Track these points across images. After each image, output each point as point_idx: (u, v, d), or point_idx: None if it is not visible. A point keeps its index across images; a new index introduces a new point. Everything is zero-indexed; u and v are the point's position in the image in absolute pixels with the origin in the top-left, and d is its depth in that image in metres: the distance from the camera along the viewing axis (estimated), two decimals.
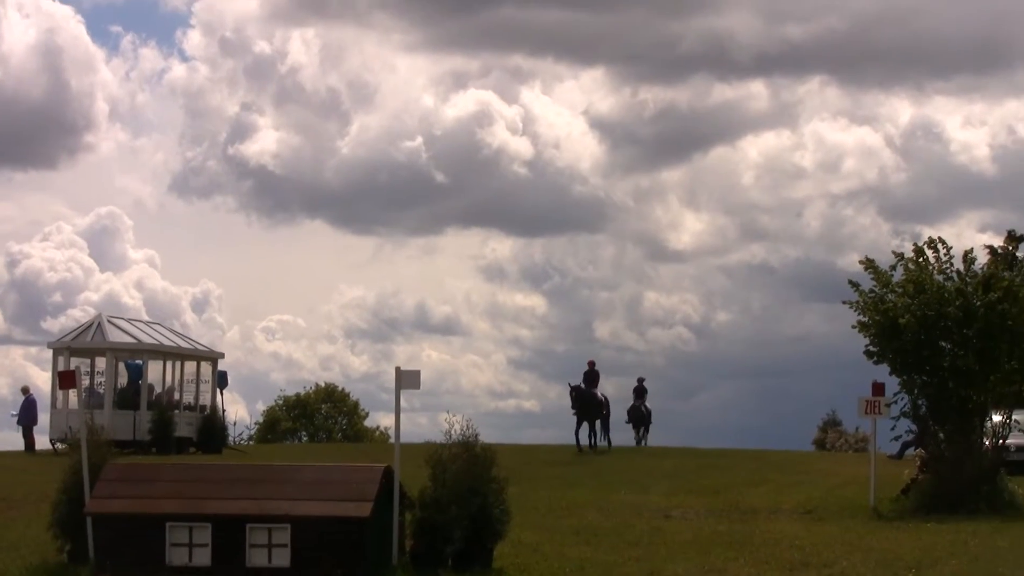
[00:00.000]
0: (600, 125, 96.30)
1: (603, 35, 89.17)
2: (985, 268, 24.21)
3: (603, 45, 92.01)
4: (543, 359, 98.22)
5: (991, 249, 39.50)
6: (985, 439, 23.54)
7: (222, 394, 40.13)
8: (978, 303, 23.26)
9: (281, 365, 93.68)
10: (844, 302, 24.22)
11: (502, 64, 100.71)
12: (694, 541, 18.87)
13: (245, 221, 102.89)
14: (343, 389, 70.46)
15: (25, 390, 39.07)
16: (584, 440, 35.78)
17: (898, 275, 24.02)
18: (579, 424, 35.69)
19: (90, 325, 38.40)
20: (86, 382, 36.14)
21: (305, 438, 65.82)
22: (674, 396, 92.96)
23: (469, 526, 15.96)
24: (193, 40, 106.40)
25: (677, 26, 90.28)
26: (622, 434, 39.64)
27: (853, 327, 24.04)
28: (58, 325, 66.44)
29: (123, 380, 38.10)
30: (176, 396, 38.83)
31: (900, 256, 24.24)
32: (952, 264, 23.94)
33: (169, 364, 39.05)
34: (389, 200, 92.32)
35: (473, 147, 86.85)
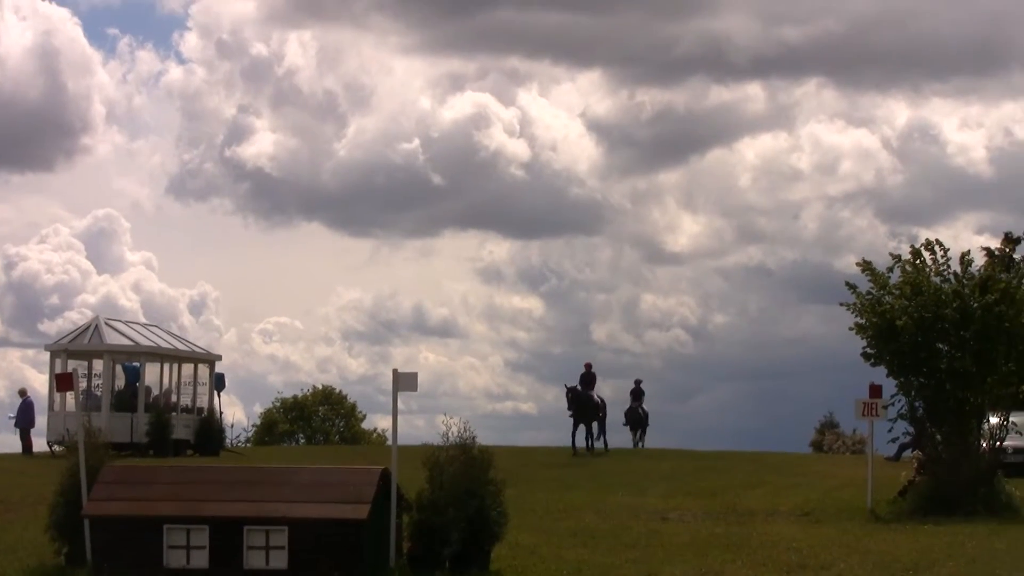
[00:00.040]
0: (597, 127, 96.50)
1: (600, 37, 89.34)
2: (982, 270, 24.21)
3: (600, 47, 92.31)
4: (540, 361, 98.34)
5: (988, 251, 39.43)
6: (982, 441, 23.54)
7: (219, 396, 40.16)
8: (975, 305, 23.26)
9: (278, 367, 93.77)
10: (841, 304, 24.23)
11: (499, 66, 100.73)
12: (691, 543, 18.87)
13: (242, 223, 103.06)
14: (340, 391, 70.60)
15: (22, 392, 39.06)
16: (581, 442, 35.79)
17: (895, 277, 24.02)
18: (576, 426, 35.69)
19: (87, 327, 38.36)
20: (83, 384, 36.17)
21: (302, 440, 65.84)
22: (671, 398, 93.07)
23: (466, 528, 15.95)
24: (190, 42, 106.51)
25: (674, 28, 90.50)
26: (619, 436, 39.70)
27: (850, 329, 24.05)
28: (55, 327, 66.40)
29: (120, 382, 38.08)
30: (173, 398, 38.79)
31: (897, 258, 24.25)
32: (949, 266, 23.96)
33: (166, 366, 39.02)
34: (386, 202, 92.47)
35: (470, 149, 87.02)
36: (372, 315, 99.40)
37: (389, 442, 18.71)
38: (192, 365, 39.64)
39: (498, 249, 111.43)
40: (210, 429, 38.19)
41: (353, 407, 69.42)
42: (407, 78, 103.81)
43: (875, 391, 23.54)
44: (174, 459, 33.81)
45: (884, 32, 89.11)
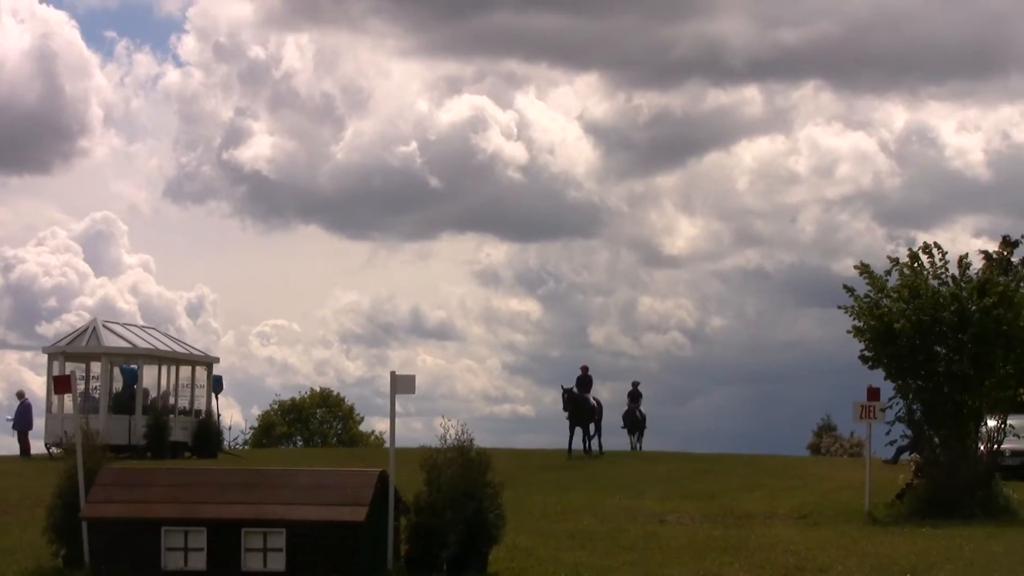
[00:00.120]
0: (594, 130, 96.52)
1: (597, 40, 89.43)
2: (980, 273, 24.24)
3: (597, 50, 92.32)
4: (538, 364, 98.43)
5: (986, 254, 39.60)
6: (980, 444, 23.55)
7: (217, 399, 40.22)
8: (973, 308, 23.27)
9: (276, 370, 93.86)
10: (839, 307, 24.26)
11: (496, 69, 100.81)
12: (689, 546, 18.87)
13: (240, 226, 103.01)
14: (338, 394, 70.69)
15: (20, 395, 39.11)
16: (577, 445, 35.77)
17: (893, 280, 24.03)
18: (572, 429, 35.66)
19: (85, 330, 38.39)
20: (81, 387, 36.15)
21: (300, 443, 65.88)
22: (669, 401, 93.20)
23: (464, 530, 15.95)
24: (187, 45, 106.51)
25: (671, 31, 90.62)
26: (617, 438, 39.69)
27: (848, 332, 24.07)
28: (53, 330, 66.42)
29: (118, 385, 38.09)
30: (171, 401, 38.82)
31: (895, 261, 24.26)
32: (947, 269, 23.97)
33: (164, 369, 39.03)
34: (384, 205, 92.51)
35: (468, 152, 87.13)
36: (370, 318, 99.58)
37: (387, 444, 18.71)
38: (190, 367, 39.67)
39: (495, 252, 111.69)
40: (208, 431, 38.20)
41: (351, 409, 69.50)
42: (404, 81, 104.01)
43: (873, 394, 23.55)
44: (172, 461, 33.82)
45: (881, 35, 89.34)
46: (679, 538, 19.70)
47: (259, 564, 15.58)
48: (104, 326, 38.41)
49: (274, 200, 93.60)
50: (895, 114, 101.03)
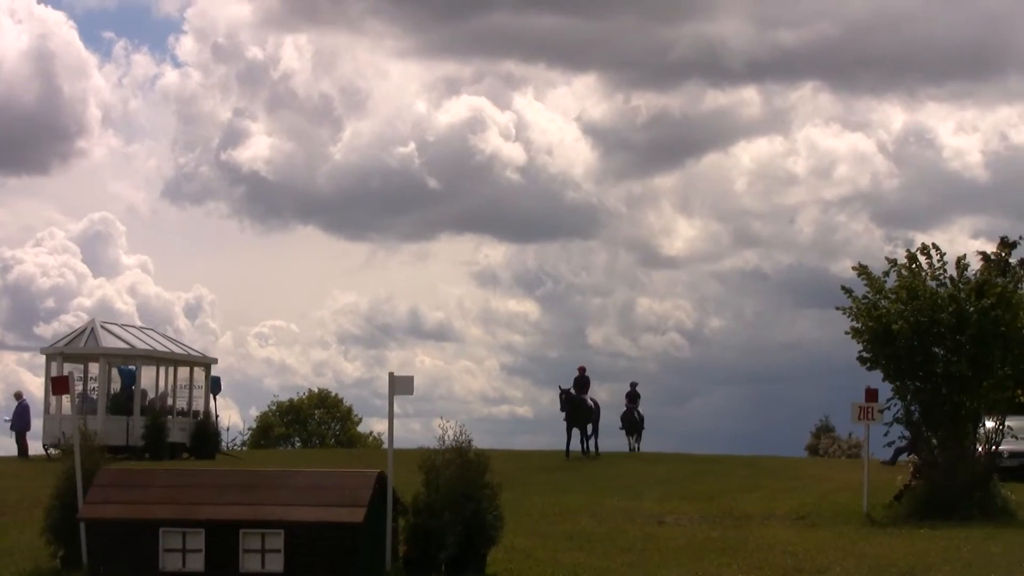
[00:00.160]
0: (593, 131, 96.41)
1: (595, 41, 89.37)
2: (978, 274, 24.24)
3: (595, 51, 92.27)
4: (536, 365, 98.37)
5: (984, 255, 39.49)
6: (978, 445, 23.56)
7: (215, 400, 40.16)
8: (971, 309, 23.28)
9: (274, 371, 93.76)
10: (837, 308, 24.27)
11: (494, 70, 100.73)
12: (687, 547, 18.88)
13: (238, 227, 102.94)
14: (336, 395, 70.58)
15: (18, 395, 39.06)
16: (576, 446, 35.77)
17: (891, 281, 24.04)
18: (569, 430, 35.64)
19: (83, 330, 38.36)
20: (79, 388, 36.11)
21: (298, 444, 65.83)
22: (667, 402, 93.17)
23: (462, 532, 15.95)
24: (186, 46, 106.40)
25: (669, 32, 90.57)
26: (615, 439, 39.69)
27: (846, 333, 24.09)
28: (51, 330, 66.38)
29: (116, 386, 38.05)
30: (169, 402, 38.78)
31: (893, 262, 24.28)
32: (945, 270, 23.99)
33: (162, 369, 39.00)
34: (382, 206, 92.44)
35: (466, 153, 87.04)
36: (368, 319, 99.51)
37: (385, 445, 18.72)
38: (188, 368, 39.65)
39: (494, 253, 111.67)
40: (206, 432, 38.17)
41: (349, 410, 69.44)
42: (403, 82, 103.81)
43: (871, 395, 23.56)
44: (170, 462, 33.80)
45: (880, 36, 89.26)
46: (677, 539, 19.71)
47: (257, 565, 15.57)
48: (102, 327, 38.38)
49: (272, 201, 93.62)
50: (893, 115, 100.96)
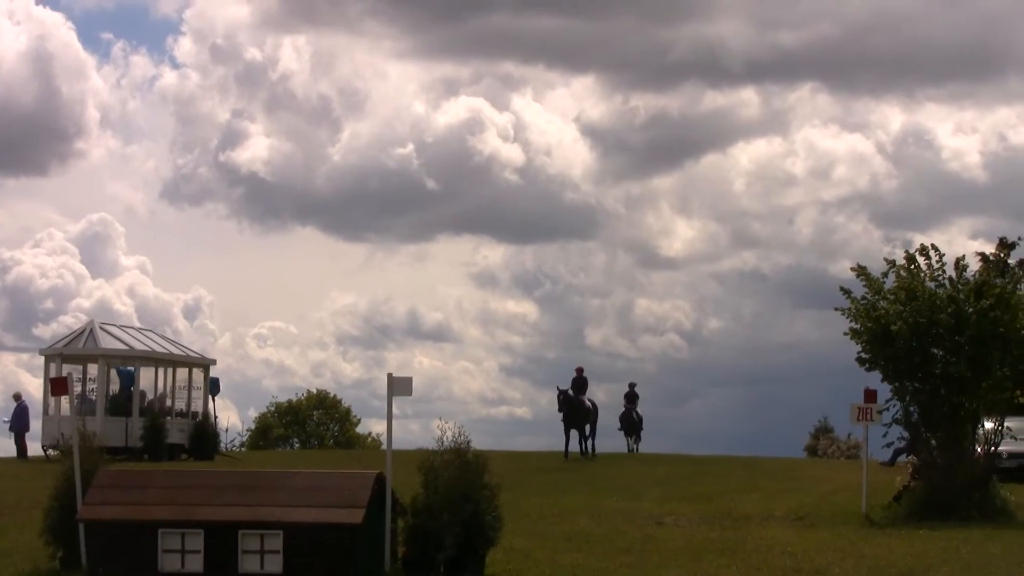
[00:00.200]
0: (591, 132, 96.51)
1: (594, 42, 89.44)
2: (977, 275, 24.25)
3: (594, 52, 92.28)
4: (535, 366, 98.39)
5: (983, 256, 39.54)
6: (977, 446, 23.57)
7: (214, 401, 40.14)
8: (970, 310, 23.29)
9: (273, 372, 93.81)
10: (836, 309, 24.28)
11: (493, 71, 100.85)
12: (686, 548, 18.87)
13: (236, 228, 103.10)
14: (335, 396, 70.57)
15: (17, 396, 39.07)
16: (574, 447, 35.76)
17: (890, 282, 24.05)
18: (567, 431, 35.63)
19: (82, 332, 38.36)
20: (78, 389, 36.09)
21: (297, 445, 65.84)
22: (666, 403, 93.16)
23: (461, 533, 15.95)
24: (184, 47, 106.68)
25: (668, 33, 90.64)
26: (614, 440, 39.68)
27: (845, 334, 24.09)
28: (50, 331, 66.44)
29: (115, 387, 38.03)
30: (168, 403, 38.78)
31: (892, 263, 24.29)
32: (944, 271, 24.00)
33: (161, 370, 39.01)
34: (380, 207, 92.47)
35: (464, 154, 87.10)
36: (367, 319, 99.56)
37: (384, 446, 18.73)
38: (187, 369, 39.64)
39: (492, 254, 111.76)
40: (205, 433, 38.17)
41: (348, 411, 69.44)
42: (401, 83, 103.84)
43: (870, 396, 23.57)
44: (169, 463, 33.81)
45: (878, 37, 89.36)
46: (676, 540, 19.70)
47: (256, 566, 15.57)
48: (101, 328, 38.38)
49: (271, 202, 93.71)
50: (892, 116, 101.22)
